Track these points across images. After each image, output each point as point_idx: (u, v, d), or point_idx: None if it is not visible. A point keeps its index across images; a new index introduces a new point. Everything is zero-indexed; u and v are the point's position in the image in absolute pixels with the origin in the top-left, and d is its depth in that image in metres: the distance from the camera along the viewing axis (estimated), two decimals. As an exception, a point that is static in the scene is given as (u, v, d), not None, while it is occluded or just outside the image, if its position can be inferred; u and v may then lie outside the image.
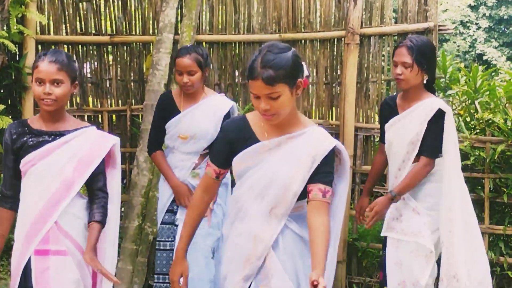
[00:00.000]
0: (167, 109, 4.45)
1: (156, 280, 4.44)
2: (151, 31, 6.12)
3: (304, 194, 2.81)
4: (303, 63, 2.86)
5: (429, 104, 3.97)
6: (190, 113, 4.33)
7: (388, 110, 4.20)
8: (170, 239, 4.38)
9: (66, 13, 6.22)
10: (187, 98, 4.40)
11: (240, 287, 2.85)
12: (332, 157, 2.82)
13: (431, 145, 3.93)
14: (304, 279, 2.82)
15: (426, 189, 4.00)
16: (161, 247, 4.42)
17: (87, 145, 3.19)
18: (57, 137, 3.17)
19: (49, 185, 3.11)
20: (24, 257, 3.13)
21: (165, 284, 4.37)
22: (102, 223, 3.16)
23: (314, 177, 2.77)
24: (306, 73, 2.85)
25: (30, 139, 3.19)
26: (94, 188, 3.19)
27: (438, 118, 3.93)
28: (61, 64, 3.12)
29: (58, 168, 3.14)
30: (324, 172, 2.78)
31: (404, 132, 4.00)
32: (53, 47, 6.20)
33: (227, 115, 4.31)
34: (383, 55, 5.74)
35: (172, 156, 4.43)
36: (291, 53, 2.74)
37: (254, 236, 2.82)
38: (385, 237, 4.11)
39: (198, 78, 4.27)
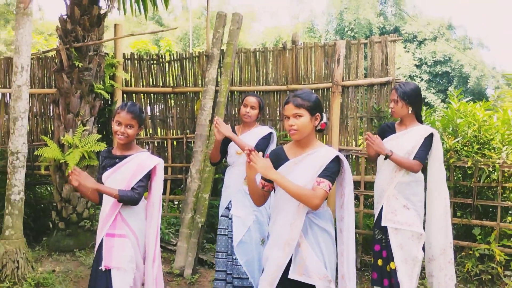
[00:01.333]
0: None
1: (216, 256, 4.38)
2: (200, 84, 6.23)
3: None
4: (324, 113, 2.97)
5: (424, 129, 4.01)
6: (243, 138, 4.33)
7: (387, 130, 4.15)
8: (226, 228, 4.35)
9: (143, 72, 6.42)
10: (244, 128, 4.45)
11: (283, 257, 2.83)
12: (334, 162, 2.83)
13: (423, 155, 3.94)
14: (328, 259, 2.88)
15: (412, 190, 3.96)
16: (220, 233, 4.39)
17: (137, 163, 3.27)
18: (123, 159, 3.29)
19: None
20: (100, 238, 3.26)
21: (223, 260, 4.33)
22: (120, 195, 3.14)
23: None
24: (324, 119, 2.95)
25: (109, 161, 3.33)
26: (133, 187, 3.22)
27: (429, 139, 3.97)
28: (135, 114, 3.25)
29: (121, 179, 3.23)
30: (324, 170, 2.80)
31: (401, 145, 3.98)
32: (133, 95, 6.43)
33: (265, 137, 4.35)
34: (357, 100, 5.69)
35: (232, 170, 4.42)
36: (315, 95, 2.90)
37: (291, 223, 2.82)
38: (384, 227, 4.03)
39: (255, 113, 4.37)
